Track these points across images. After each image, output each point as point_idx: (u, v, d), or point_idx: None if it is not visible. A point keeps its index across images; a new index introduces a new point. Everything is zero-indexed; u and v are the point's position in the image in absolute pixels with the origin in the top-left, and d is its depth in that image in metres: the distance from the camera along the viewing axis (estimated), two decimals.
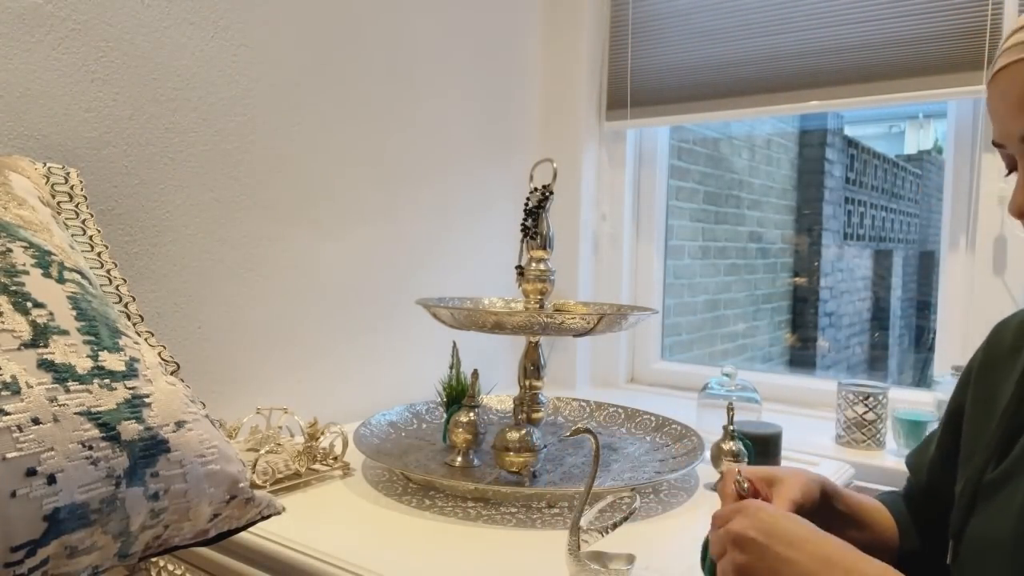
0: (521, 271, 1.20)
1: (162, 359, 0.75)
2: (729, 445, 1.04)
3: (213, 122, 1.15)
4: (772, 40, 1.55)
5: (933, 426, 1.06)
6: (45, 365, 0.60)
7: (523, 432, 1.02)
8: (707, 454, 1.08)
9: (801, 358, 3.32)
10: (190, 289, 1.13)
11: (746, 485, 0.67)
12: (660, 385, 1.84)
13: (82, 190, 0.88)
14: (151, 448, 0.63)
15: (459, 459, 1.08)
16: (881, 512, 0.78)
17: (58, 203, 0.83)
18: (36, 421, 0.57)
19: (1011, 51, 0.58)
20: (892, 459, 1.28)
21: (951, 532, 0.67)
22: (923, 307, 3.37)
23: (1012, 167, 0.61)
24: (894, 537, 0.76)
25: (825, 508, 0.71)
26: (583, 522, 0.77)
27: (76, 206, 0.85)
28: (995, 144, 0.62)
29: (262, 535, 0.84)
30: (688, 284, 2.53)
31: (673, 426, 1.23)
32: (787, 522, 0.59)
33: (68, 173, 0.88)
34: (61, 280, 0.68)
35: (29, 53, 0.94)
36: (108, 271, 0.82)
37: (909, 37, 1.39)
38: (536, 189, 1.18)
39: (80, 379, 0.62)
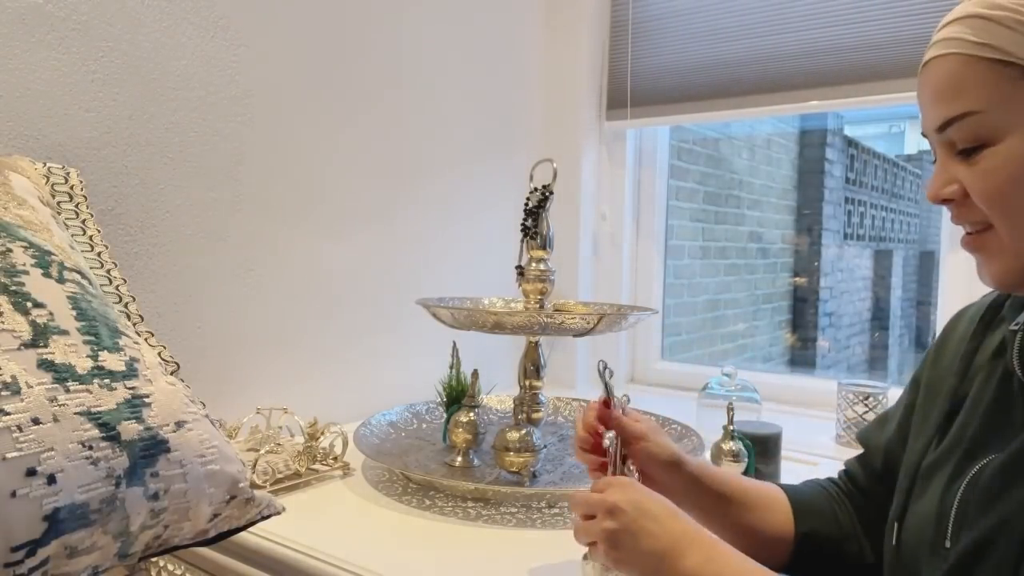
0: (521, 271, 1.20)
1: (162, 359, 0.75)
2: (729, 445, 1.04)
3: (213, 122, 1.15)
4: (772, 40, 1.55)
5: None
6: (45, 365, 0.60)
7: (523, 432, 1.02)
8: (707, 454, 1.08)
9: (801, 358, 3.32)
10: (190, 289, 1.13)
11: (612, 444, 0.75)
12: (660, 385, 1.84)
13: (82, 190, 0.88)
14: (151, 448, 0.63)
15: (459, 459, 1.08)
16: (771, 496, 0.79)
17: (58, 203, 0.83)
18: (36, 421, 0.57)
19: (936, 46, 0.60)
20: None
21: (894, 515, 0.69)
22: (923, 307, 3.37)
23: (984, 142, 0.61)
24: (784, 520, 0.78)
25: (681, 474, 0.77)
26: None
27: (76, 206, 0.85)
28: (923, 135, 0.64)
29: (262, 535, 0.85)
30: (688, 284, 2.53)
31: (673, 426, 1.23)
32: (654, 501, 0.66)
33: (68, 173, 0.88)
34: (61, 280, 0.68)
35: (29, 53, 0.94)
36: (108, 271, 0.82)
37: (909, 37, 1.39)
38: (536, 189, 1.18)
39: (80, 379, 0.62)
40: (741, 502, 0.77)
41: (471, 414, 1.08)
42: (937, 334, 1.50)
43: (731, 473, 0.83)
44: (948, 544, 0.59)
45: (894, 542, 0.67)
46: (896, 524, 0.68)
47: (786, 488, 0.81)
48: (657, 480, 0.76)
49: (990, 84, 0.56)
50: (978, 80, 0.56)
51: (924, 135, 0.64)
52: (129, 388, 0.65)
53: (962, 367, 0.68)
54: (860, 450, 1.37)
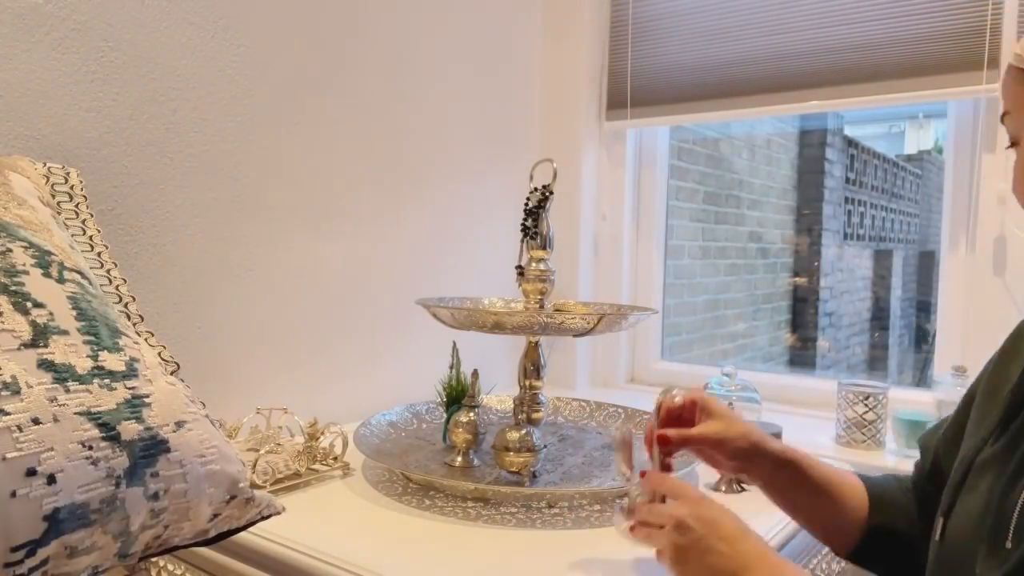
0: (521, 271, 1.20)
1: (162, 359, 0.75)
2: None
3: (213, 122, 1.15)
4: (772, 40, 1.55)
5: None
6: (45, 365, 0.60)
7: (523, 432, 1.02)
8: None
9: (801, 358, 3.32)
10: (190, 289, 1.13)
11: (678, 400, 0.79)
12: (660, 385, 1.83)
13: (82, 190, 0.88)
14: (151, 448, 0.63)
15: (459, 459, 1.08)
16: (848, 485, 0.82)
17: (58, 203, 0.83)
18: (36, 421, 0.57)
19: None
20: (892, 459, 1.28)
21: (941, 510, 0.69)
22: (923, 307, 3.37)
23: (1014, 141, 0.70)
24: (858, 508, 0.80)
25: (765, 464, 0.79)
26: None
27: (76, 206, 0.85)
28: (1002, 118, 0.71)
29: (262, 535, 0.84)
30: (688, 284, 2.54)
31: None
32: (725, 518, 0.67)
33: (68, 173, 0.88)
34: (61, 280, 0.68)
35: (29, 53, 0.94)
36: (108, 271, 0.82)
37: (909, 37, 1.39)
38: (536, 189, 1.18)
39: (80, 379, 0.62)
40: (823, 492, 0.79)
41: (471, 414, 1.08)
42: (937, 334, 1.50)
43: (811, 457, 0.83)
44: (1009, 544, 0.59)
45: (938, 537, 0.68)
46: (943, 519, 0.68)
47: (865, 479, 0.83)
48: (741, 470, 0.79)
49: (1014, 89, 0.66)
50: (1010, 85, 0.67)
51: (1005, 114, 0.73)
52: (129, 388, 0.65)
53: None
54: (858, 451, 1.38)
